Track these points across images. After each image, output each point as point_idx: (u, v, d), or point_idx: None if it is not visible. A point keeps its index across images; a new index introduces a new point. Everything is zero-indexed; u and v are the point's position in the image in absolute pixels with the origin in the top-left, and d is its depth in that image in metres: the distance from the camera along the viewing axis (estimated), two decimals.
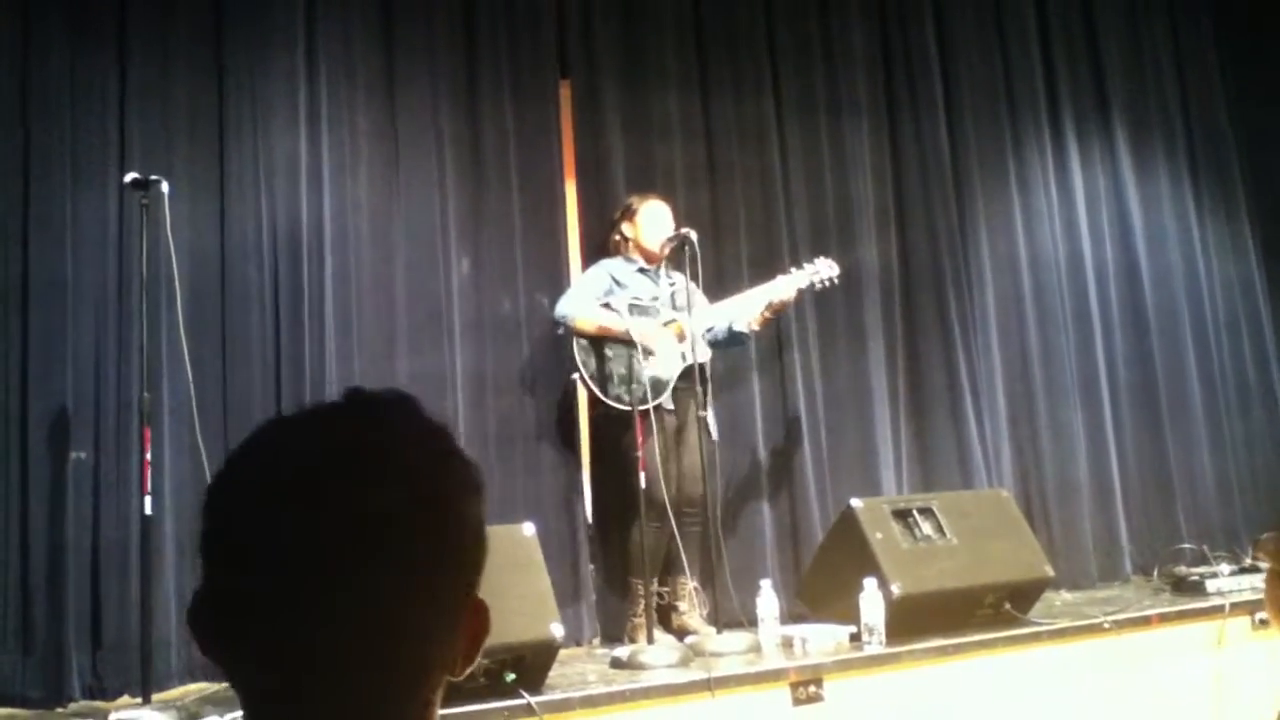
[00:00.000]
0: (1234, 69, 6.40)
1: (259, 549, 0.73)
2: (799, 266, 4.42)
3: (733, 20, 5.11)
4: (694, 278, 4.05)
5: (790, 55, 5.20)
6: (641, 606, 3.96)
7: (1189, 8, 6.37)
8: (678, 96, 4.94)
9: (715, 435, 4.18)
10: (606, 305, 4.21)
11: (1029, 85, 5.73)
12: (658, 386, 4.09)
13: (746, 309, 4.27)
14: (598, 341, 4.18)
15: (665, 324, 4.23)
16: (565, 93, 4.83)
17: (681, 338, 4.19)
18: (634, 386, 3.86)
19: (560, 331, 4.30)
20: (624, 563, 4.24)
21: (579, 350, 4.18)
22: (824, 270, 4.36)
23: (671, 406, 4.17)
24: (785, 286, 4.29)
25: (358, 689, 0.74)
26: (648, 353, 4.10)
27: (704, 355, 4.10)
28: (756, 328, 4.32)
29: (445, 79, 4.54)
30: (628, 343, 4.10)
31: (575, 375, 4.19)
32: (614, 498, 4.32)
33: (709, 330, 4.29)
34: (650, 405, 3.95)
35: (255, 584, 0.73)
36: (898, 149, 5.38)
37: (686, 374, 4.14)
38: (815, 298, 4.93)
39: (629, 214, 4.41)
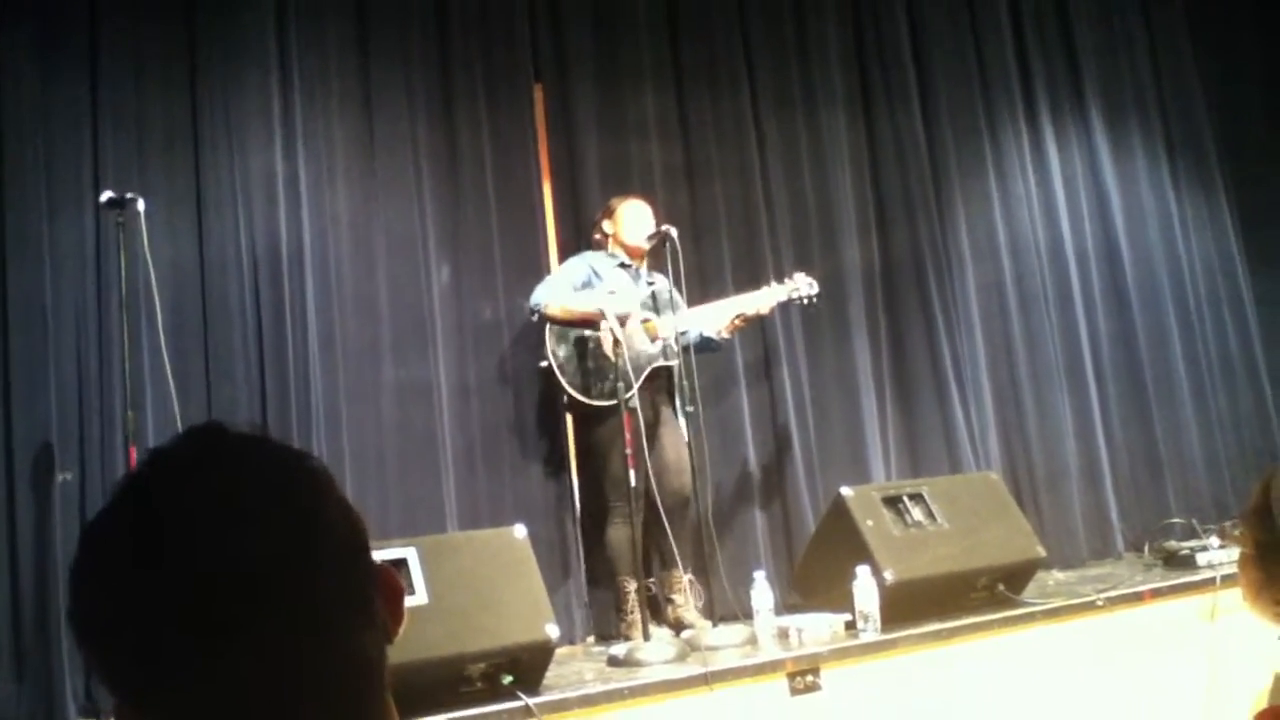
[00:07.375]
0: (1206, 46, 6.42)
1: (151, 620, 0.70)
2: (780, 274, 4.41)
3: (707, 17, 5.11)
4: (676, 276, 4.04)
5: (765, 51, 5.21)
6: (631, 603, 3.96)
7: None
8: (653, 95, 4.95)
9: (687, 436, 4.13)
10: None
11: (1003, 71, 5.75)
12: (637, 364, 4.07)
13: (718, 316, 4.28)
14: (570, 333, 4.17)
15: (641, 321, 4.22)
16: (540, 96, 4.83)
17: (654, 337, 4.19)
18: (609, 380, 3.83)
19: (534, 318, 4.27)
20: (609, 562, 4.23)
21: (550, 338, 4.17)
22: (804, 288, 4.34)
23: (635, 404, 4.16)
24: (763, 300, 4.29)
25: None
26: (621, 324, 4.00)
27: (675, 359, 4.09)
28: (727, 335, 4.32)
29: (420, 87, 4.53)
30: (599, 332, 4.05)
31: (543, 363, 4.17)
32: (597, 495, 4.32)
33: (682, 334, 4.29)
34: (626, 397, 3.90)
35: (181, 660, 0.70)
36: (875, 141, 5.40)
37: (656, 371, 4.15)
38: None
39: (609, 212, 4.41)
